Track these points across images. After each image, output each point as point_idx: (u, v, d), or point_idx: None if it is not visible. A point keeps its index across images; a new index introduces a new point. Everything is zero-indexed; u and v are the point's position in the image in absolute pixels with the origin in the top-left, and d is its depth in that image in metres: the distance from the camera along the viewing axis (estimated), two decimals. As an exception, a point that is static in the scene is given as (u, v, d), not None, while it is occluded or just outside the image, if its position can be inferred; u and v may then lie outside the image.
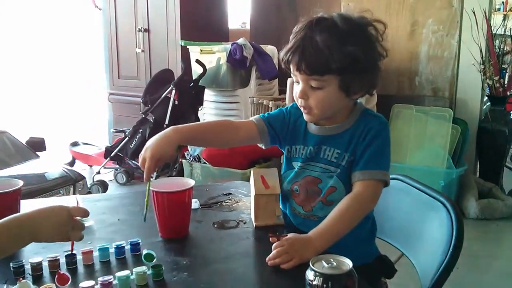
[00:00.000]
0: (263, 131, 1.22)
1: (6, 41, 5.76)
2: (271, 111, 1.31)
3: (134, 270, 0.93)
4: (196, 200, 1.36)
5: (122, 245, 1.05)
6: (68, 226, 0.96)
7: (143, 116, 3.72)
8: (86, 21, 5.53)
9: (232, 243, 1.14)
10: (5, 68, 5.85)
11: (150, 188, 1.14)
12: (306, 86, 1.10)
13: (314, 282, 0.74)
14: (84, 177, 3.09)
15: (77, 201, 1.07)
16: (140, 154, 1.15)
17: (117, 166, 3.89)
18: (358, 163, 1.13)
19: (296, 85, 1.14)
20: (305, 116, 1.16)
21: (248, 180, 1.30)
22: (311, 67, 1.07)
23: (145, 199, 1.13)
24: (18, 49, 5.90)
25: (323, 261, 0.76)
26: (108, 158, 3.76)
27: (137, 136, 3.69)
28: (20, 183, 1.18)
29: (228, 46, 3.72)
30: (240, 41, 3.70)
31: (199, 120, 3.84)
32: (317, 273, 0.74)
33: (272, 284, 0.97)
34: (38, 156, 3.25)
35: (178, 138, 1.17)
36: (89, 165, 4.30)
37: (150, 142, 1.15)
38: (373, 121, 1.15)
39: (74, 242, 1.01)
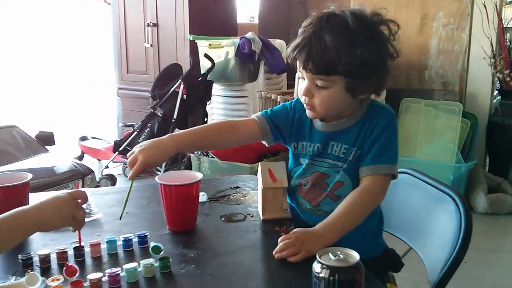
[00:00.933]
0: (265, 129, 1.21)
1: (17, 36, 5.80)
2: (278, 104, 1.30)
3: (142, 262, 0.94)
4: (204, 193, 1.36)
5: (129, 238, 1.05)
6: (72, 207, 0.98)
7: (152, 110, 3.73)
8: (95, 16, 5.55)
9: (240, 236, 1.14)
10: (15, 63, 5.89)
11: (132, 187, 1.13)
12: (312, 84, 1.09)
13: (321, 275, 0.74)
14: (92, 171, 3.10)
15: (77, 186, 1.08)
16: (131, 152, 1.12)
17: (126, 160, 3.90)
18: (366, 158, 1.12)
19: (301, 81, 1.12)
20: (308, 113, 1.14)
21: (256, 174, 1.30)
22: (318, 67, 1.05)
23: (125, 198, 1.11)
24: (28, 44, 5.93)
25: (330, 254, 0.76)
26: (117, 152, 3.77)
27: (146, 131, 3.70)
28: (29, 176, 1.19)
29: (236, 40, 3.72)
30: (249, 35, 3.69)
31: (207, 114, 3.84)
32: (324, 266, 0.74)
33: (279, 277, 0.97)
34: (47, 150, 3.28)
35: (175, 147, 1.15)
36: (98, 159, 4.32)
37: (145, 145, 1.12)
38: (380, 113, 1.13)
39: (82, 233, 1.01)
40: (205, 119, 3.84)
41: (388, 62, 1.10)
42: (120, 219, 1.11)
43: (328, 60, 1.03)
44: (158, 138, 1.15)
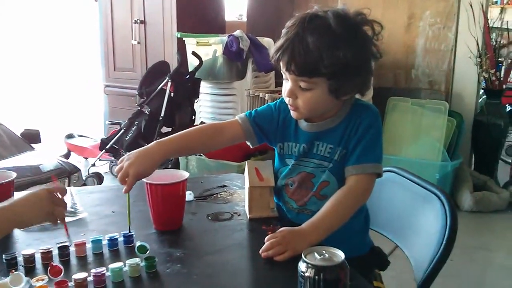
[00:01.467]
0: (248, 131, 1.21)
1: (2, 34, 5.72)
2: (266, 103, 1.30)
3: (127, 262, 0.93)
4: (191, 192, 1.35)
5: (115, 237, 1.04)
6: (50, 203, 0.97)
7: (139, 108, 3.71)
8: (82, 13, 5.50)
9: (226, 235, 1.14)
10: (0, 60, 5.82)
11: (130, 201, 1.11)
12: (295, 86, 1.09)
13: (306, 274, 0.74)
14: (79, 169, 3.07)
15: (55, 180, 1.07)
16: (119, 166, 1.09)
17: (113, 158, 3.88)
18: (351, 157, 1.12)
19: (285, 82, 1.12)
20: (292, 113, 1.14)
21: (243, 173, 1.30)
22: (300, 69, 1.05)
23: (127, 212, 1.10)
24: (14, 42, 5.87)
25: (315, 253, 0.76)
26: (104, 150, 3.75)
27: (133, 128, 3.68)
28: (13, 175, 1.18)
29: (224, 38, 3.71)
30: (237, 33, 3.68)
31: (195, 112, 3.83)
32: (309, 265, 0.74)
33: (266, 276, 0.97)
34: (33, 148, 3.24)
35: (162, 155, 1.13)
36: (84, 157, 4.28)
37: (133, 157, 1.09)
38: (365, 112, 1.14)
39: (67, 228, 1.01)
40: (193, 117, 3.82)
41: (371, 62, 1.11)
42: (129, 232, 1.09)
43: (311, 62, 1.03)
44: (144, 147, 1.13)
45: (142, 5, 4.37)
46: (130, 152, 1.12)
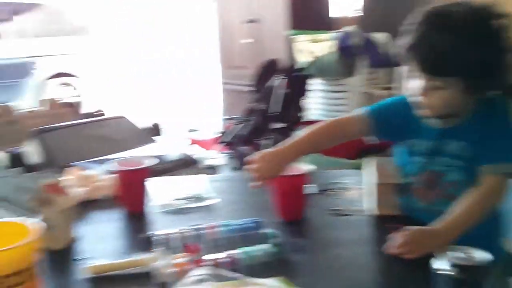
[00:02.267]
0: (374, 126, 1.18)
1: (127, 34, 6.20)
2: (380, 100, 1.27)
3: (258, 247, 0.96)
4: (313, 185, 1.37)
5: (245, 223, 1.08)
6: None
7: (253, 105, 3.82)
8: (203, 13, 5.77)
9: (349, 230, 1.14)
10: (127, 60, 6.31)
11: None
12: (427, 84, 1.04)
13: (449, 273, 0.71)
14: (199, 161, 3.23)
15: None
16: (255, 165, 1.12)
17: (230, 151, 4.04)
18: (485, 155, 1.06)
19: (414, 80, 1.08)
20: (423, 112, 1.10)
21: (358, 169, 1.29)
22: (434, 69, 1.01)
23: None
24: (139, 41, 6.33)
25: (456, 252, 0.73)
26: (222, 144, 3.93)
27: (248, 124, 3.81)
28: (155, 161, 1.27)
29: (337, 34, 3.67)
30: (349, 29, 3.63)
31: (306, 109, 3.85)
32: (454, 264, 0.71)
33: (395, 272, 0.96)
34: (153, 141, 3.45)
35: (294, 156, 1.15)
36: (204, 150, 4.50)
37: (269, 159, 1.12)
38: (495, 106, 1.08)
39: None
40: (304, 114, 3.85)
41: (509, 57, 1.03)
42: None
43: (445, 62, 0.99)
44: (277, 149, 1.16)
45: (256, 4, 4.49)
46: (264, 151, 1.15)
